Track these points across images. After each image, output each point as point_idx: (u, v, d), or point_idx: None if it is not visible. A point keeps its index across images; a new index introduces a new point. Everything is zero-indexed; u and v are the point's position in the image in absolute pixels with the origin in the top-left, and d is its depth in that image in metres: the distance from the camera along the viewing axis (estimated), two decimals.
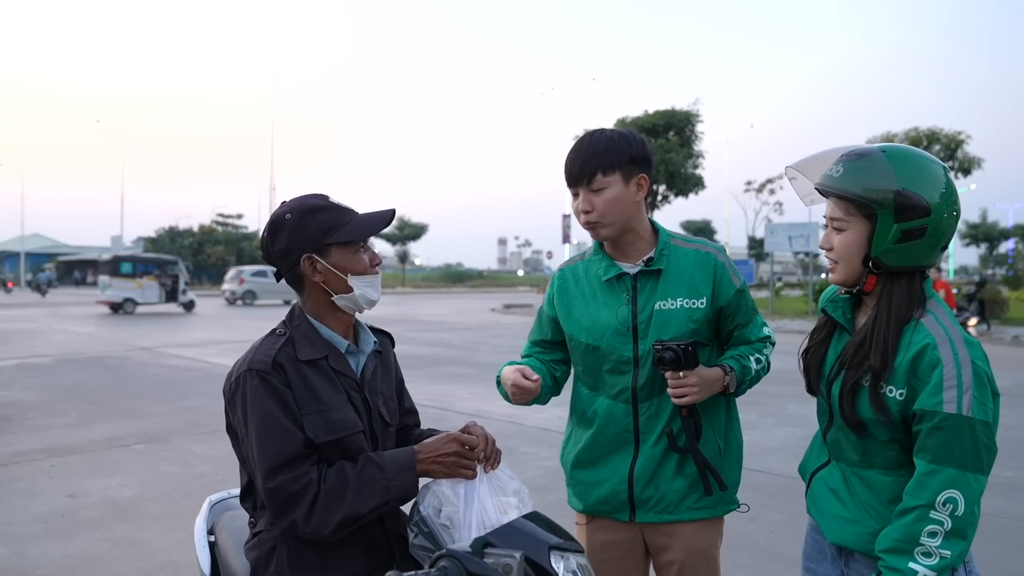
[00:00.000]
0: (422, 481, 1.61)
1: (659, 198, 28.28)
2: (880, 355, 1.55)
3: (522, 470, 5.64)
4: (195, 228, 60.75)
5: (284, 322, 1.70)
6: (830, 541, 1.72)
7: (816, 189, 1.68)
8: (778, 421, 7.46)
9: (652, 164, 1.98)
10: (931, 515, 1.45)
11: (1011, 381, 10.33)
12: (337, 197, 1.73)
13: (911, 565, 1.45)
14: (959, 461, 1.45)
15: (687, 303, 1.93)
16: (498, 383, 2.04)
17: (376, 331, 1.86)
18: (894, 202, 1.52)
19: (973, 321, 16.33)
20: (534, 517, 1.28)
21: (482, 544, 1.11)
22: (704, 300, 1.94)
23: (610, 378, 1.97)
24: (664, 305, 1.93)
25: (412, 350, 13.73)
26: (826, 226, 1.67)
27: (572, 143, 1.96)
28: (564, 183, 1.99)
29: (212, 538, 1.95)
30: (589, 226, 1.93)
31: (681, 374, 1.83)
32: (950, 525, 1.44)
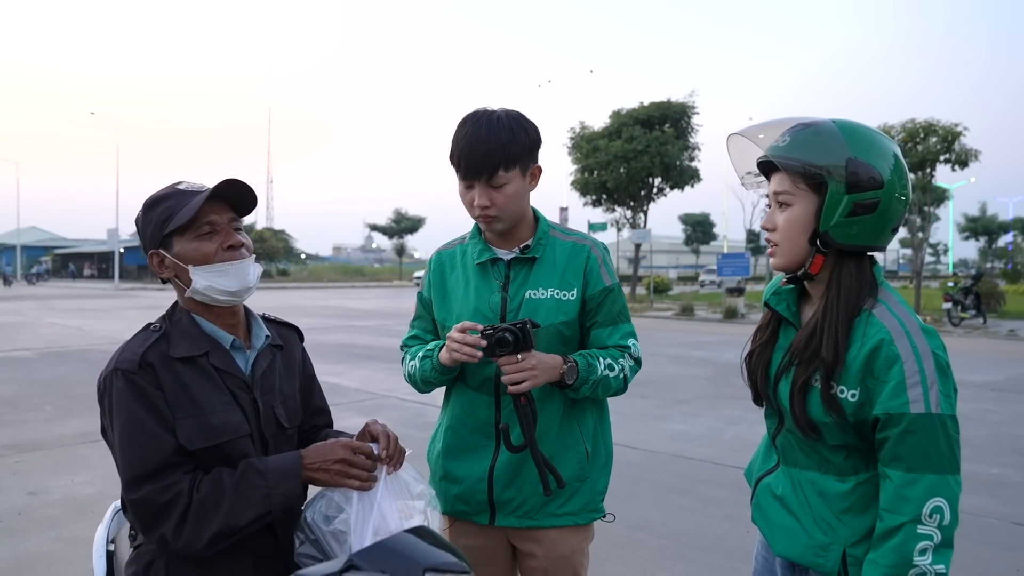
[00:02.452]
0: (314, 489, 1.47)
1: (655, 191, 28.15)
2: (832, 347, 1.42)
3: None
4: None
5: (163, 316, 1.56)
6: (776, 554, 1.59)
7: (759, 164, 1.55)
8: (762, 416, 7.32)
9: (540, 146, 1.87)
10: (919, 530, 1.32)
11: (1004, 375, 10.21)
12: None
13: None
14: (938, 465, 1.33)
15: (558, 294, 1.85)
16: (424, 360, 1.89)
17: (280, 324, 1.72)
18: (845, 170, 1.39)
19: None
20: (419, 532, 1.14)
21: (344, 566, 0.97)
22: (575, 292, 1.86)
23: (474, 367, 1.84)
24: (535, 295, 1.85)
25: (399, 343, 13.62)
26: (769, 206, 1.54)
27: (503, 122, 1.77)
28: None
29: (112, 547, 1.81)
30: (485, 220, 1.83)
31: (519, 356, 1.69)
32: (939, 537, 1.32)
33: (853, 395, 1.41)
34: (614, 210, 28.75)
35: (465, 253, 1.96)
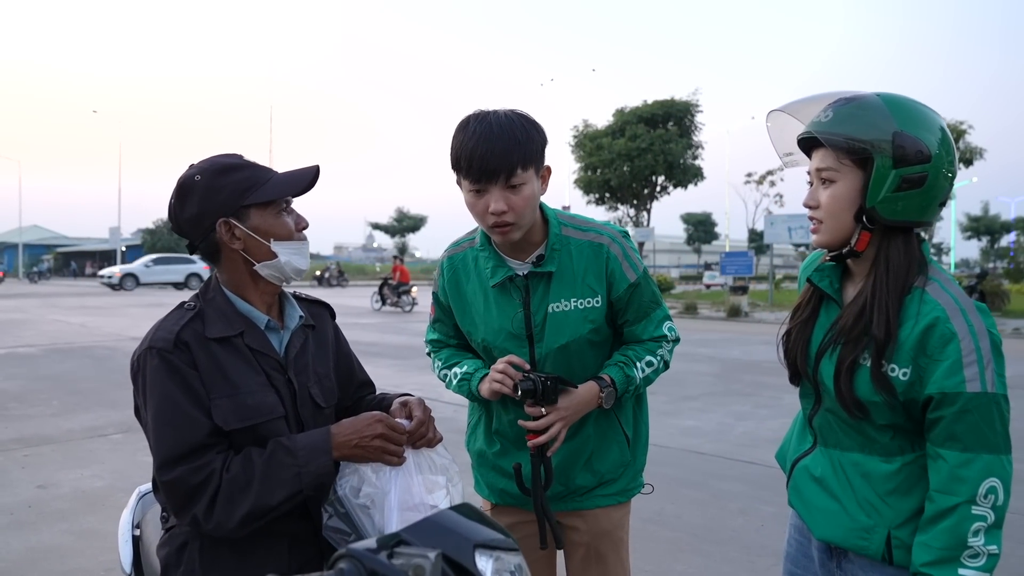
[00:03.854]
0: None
1: (658, 189, 28.16)
2: (884, 325, 1.39)
3: None
4: None
5: (197, 295, 1.53)
6: (817, 537, 1.56)
7: (800, 140, 1.51)
8: (772, 412, 7.31)
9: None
10: (974, 511, 1.30)
11: (1011, 372, 10.09)
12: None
13: (961, 572, 1.30)
14: (992, 445, 1.31)
15: (582, 303, 1.76)
16: (462, 383, 1.88)
17: (312, 302, 1.70)
18: (892, 144, 1.36)
19: None
20: (463, 509, 1.12)
21: (393, 541, 0.95)
22: (600, 298, 1.77)
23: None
24: (558, 307, 1.76)
25: (403, 340, 13.61)
26: (810, 183, 1.50)
27: (475, 125, 1.62)
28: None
29: (138, 532, 1.79)
30: (502, 228, 1.65)
31: (543, 411, 1.67)
32: (993, 518, 1.30)
33: (904, 374, 1.38)
34: (617, 208, 28.81)
35: (477, 261, 1.83)
